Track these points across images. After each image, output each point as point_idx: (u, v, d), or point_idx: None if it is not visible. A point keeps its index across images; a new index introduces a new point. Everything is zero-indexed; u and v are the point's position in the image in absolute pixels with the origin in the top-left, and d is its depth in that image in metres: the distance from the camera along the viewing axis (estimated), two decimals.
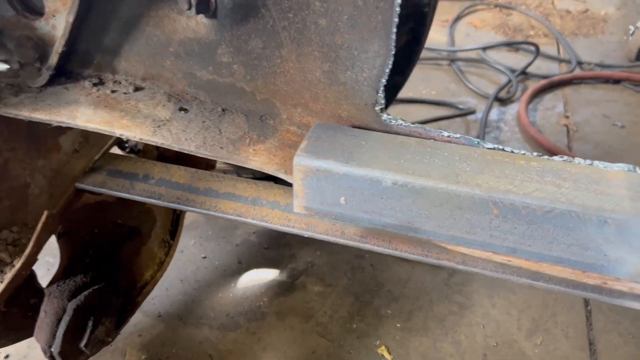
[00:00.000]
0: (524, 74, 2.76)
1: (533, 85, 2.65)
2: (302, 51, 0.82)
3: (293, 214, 0.91)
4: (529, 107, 2.53)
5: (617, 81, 2.71)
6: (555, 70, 2.85)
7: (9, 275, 0.93)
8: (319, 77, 0.84)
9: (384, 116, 0.83)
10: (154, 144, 0.81)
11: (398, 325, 1.63)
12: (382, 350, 1.55)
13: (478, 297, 1.70)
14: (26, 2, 0.85)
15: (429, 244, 0.83)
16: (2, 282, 0.92)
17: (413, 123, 0.82)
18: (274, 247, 1.87)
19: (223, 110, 0.89)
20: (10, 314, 0.95)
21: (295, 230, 0.88)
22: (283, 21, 0.79)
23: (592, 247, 0.68)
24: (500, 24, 3.24)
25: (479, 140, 0.78)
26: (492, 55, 2.91)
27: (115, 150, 1.34)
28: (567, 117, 2.49)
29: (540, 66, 2.86)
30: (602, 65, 2.86)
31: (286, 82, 0.86)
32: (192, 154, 0.81)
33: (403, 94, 2.56)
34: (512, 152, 0.76)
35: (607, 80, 2.73)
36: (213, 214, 0.91)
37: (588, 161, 0.74)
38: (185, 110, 0.88)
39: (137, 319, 1.61)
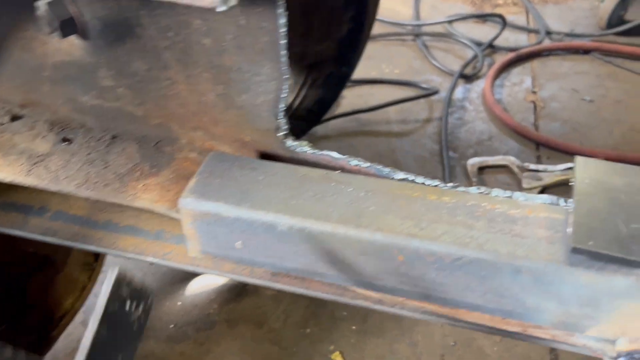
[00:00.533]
0: (491, 47, 2.65)
1: (500, 59, 2.55)
2: (190, 72, 0.72)
3: None
4: (495, 83, 2.43)
5: (587, 51, 2.62)
6: (524, 41, 2.74)
7: None
8: (213, 100, 0.74)
9: (288, 142, 0.74)
10: (27, 185, 0.72)
11: (353, 327, 1.57)
12: (336, 356, 1.50)
13: None
14: None
15: (343, 288, 0.75)
16: None
17: (320, 150, 0.73)
18: None
19: (113, 137, 0.80)
20: None
21: (200, 269, 0.80)
22: (164, 41, 0.69)
23: (508, 295, 0.61)
24: None
25: (389, 170, 0.70)
26: (459, 28, 2.79)
27: None
28: (534, 92, 2.40)
29: (509, 38, 2.76)
30: (572, 35, 2.76)
31: (180, 105, 0.77)
32: (71, 194, 0.72)
33: (365, 73, 2.46)
34: (424, 184, 0.68)
35: (576, 50, 2.63)
36: (112, 252, 0.83)
37: (508, 192, 0.66)
38: (69, 140, 0.78)
39: (78, 331, 1.54)
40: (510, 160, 2.00)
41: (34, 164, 0.74)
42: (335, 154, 0.73)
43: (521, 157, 2.04)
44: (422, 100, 2.33)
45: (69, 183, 0.73)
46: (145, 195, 0.74)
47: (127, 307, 0.70)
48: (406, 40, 2.78)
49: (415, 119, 2.27)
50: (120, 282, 0.67)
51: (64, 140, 0.78)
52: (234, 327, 1.56)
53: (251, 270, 0.78)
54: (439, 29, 2.80)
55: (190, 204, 0.67)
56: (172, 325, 1.56)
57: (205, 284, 1.66)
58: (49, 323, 1.11)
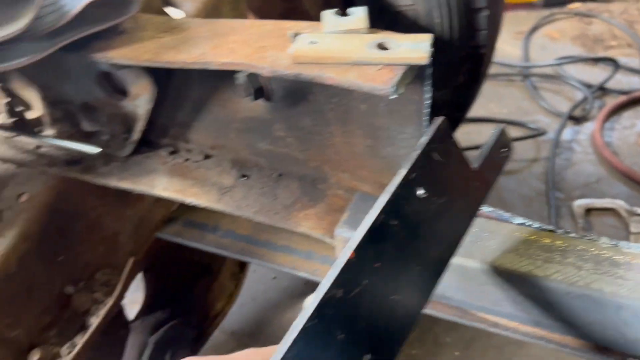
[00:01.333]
0: (602, 89, 2.67)
1: (611, 102, 2.57)
2: (347, 129, 0.91)
3: None
4: (605, 126, 2.45)
5: None
6: (638, 84, 2.73)
7: (102, 311, 1.10)
8: (362, 150, 0.93)
9: None
10: (217, 210, 0.94)
11: (456, 353, 1.68)
12: None
13: None
14: (115, 86, 1.00)
15: (462, 310, 0.90)
16: (97, 317, 1.09)
17: None
18: None
19: (280, 175, 1.00)
20: (104, 343, 1.12)
21: None
22: (329, 104, 0.89)
23: (611, 327, 0.73)
24: (579, 34, 3.13)
25: (509, 215, 0.84)
26: (569, 70, 2.83)
27: None
28: None
29: (621, 80, 2.75)
30: None
31: (335, 153, 0.96)
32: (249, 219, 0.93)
33: (474, 111, 2.56)
34: (540, 228, 0.81)
35: None
36: (272, 267, 1.03)
37: (613, 241, 0.78)
38: (247, 176, 0.99)
39: (213, 335, 1.78)
40: (619, 204, 2.02)
41: (222, 194, 0.96)
42: None
43: (630, 201, 2.06)
44: (529, 141, 2.41)
45: (248, 210, 0.94)
46: (305, 223, 0.93)
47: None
48: (515, 80, 2.86)
49: (522, 158, 2.35)
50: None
51: (243, 175, 0.99)
52: None
53: None
54: (548, 70, 2.86)
55: (344, 233, 0.85)
56: None
57: None
58: (206, 321, 1.34)
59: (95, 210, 1.10)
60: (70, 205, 1.06)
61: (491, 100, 2.73)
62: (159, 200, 1.19)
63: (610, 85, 2.67)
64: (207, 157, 1.02)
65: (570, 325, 0.75)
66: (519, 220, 0.83)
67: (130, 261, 1.10)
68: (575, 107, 2.55)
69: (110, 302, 1.10)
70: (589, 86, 2.66)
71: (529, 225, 0.82)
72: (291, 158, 0.99)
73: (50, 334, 1.08)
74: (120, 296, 1.13)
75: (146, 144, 1.05)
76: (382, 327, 0.54)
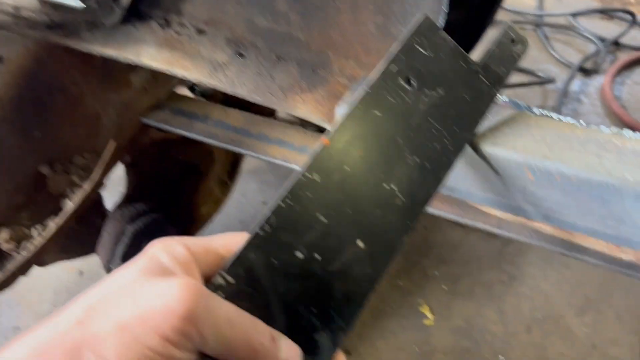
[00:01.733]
0: (616, 44, 2.58)
1: (624, 57, 2.48)
2: (357, 3, 0.83)
3: None
4: (615, 80, 2.37)
5: None
6: None
7: (79, 196, 1.03)
8: (371, 29, 0.85)
9: None
10: (209, 86, 0.86)
11: (444, 287, 1.64)
12: (425, 309, 1.58)
13: (530, 269, 1.67)
14: None
15: (465, 205, 0.84)
16: (73, 202, 1.03)
17: None
18: None
19: (278, 57, 0.92)
20: (79, 231, 1.06)
21: None
22: None
23: (628, 221, 0.67)
24: None
25: (526, 105, 0.77)
26: (583, 23, 2.73)
27: (186, 93, 1.42)
28: None
29: (636, 36, 2.66)
30: None
31: (340, 34, 0.88)
32: (244, 98, 0.86)
33: None
34: (560, 119, 0.74)
35: None
36: (262, 158, 0.96)
37: (638, 134, 0.71)
38: (242, 55, 0.91)
39: None
40: None
41: (215, 69, 0.88)
42: None
43: None
44: (536, 88, 2.33)
45: (243, 89, 0.86)
46: (303, 107, 0.86)
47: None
48: (526, 29, 2.76)
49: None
50: None
51: (239, 54, 0.91)
52: None
53: None
54: (561, 21, 2.76)
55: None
56: None
57: None
58: (190, 222, 1.28)
59: (77, 86, 1.02)
60: (50, 76, 0.98)
61: None
62: (147, 89, 1.11)
63: (625, 40, 2.57)
64: (200, 32, 0.94)
65: (583, 219, 0.69)
66: (537, 111, 0.76)
67: (111, 145, 1.02)
68: (586, 59, 2.46)
69: (87, 187, 1.04)
70: (602, 40, 2.57)
71: (549, 116, 0.75)
72: (292, 39, 0.91)
73: (22, 215, 1.02)
74: (99, 182, 1.06)
75: (136, 14, 0.97)
76: (375, 217, 0.53)
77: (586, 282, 1.63)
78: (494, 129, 0.72)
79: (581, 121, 0.74)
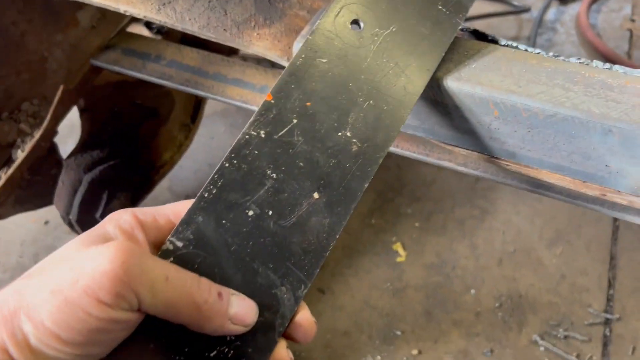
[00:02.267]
0: None
1: None
2: None
3: None
4: (591, 8, 2.32)
5: None
6: None
7: (29, 145, 0.98)
8: None
9: None
10: (157, 22, 0.80)
11: (417, 224, 1.64)
12: (397, 247, 1.58)
13: (502, 204, 1.68)
14: None
15: (431, 144, 0.81)
16: (23, 151, 0.97)
17: None
18: None
19: None
20: (33, 181, 1.01)
21: None
22: None
23: (594, 156, 0.65)
24: None
25: (493, 36, 0.73)
26: None
27: (143, 31, 1.34)
28: (632, 20, 2.28)
29: None
30: None
31: None
32: (194, 34, 0.80)
33: None
34: (526, 50, 0.71)
35: None
36: (220, 99, 0.91)
37: (607, 65, 0.68)
38: None
39: (166, 198, 1.69)
40: None
41: (163, 4, 0.81)
42: None
43: None
44: (511, 18, 2.27)
45: (193, 24, 0.80)
46: (259, 43, 0.80)
47: None
48: None
49: (502, 35, 2.22)
50: None
51: None
52: None
53: None
54: None
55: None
56: None
57: None
58: (152, 169, 1.24)
59: (16, 27, 0.94)
60: None
61: None
62: (95, 27, 1.04)
63: None
64: None
65: (549, 155, 0.67)
66: (504, 41, 0.72)
67: (60, 89, 0.96)
68: None
69: (37, 134, 0.98)
70: None
71: (515, 47, 0.71)
72: None
73: None
74: (51, 130, 1.00)
75: None
76: (331, 167, 0.52)
77: (557, 215, 1.64)
78: (458, 63, 0.68)
79: (550, 53, 0.70)
